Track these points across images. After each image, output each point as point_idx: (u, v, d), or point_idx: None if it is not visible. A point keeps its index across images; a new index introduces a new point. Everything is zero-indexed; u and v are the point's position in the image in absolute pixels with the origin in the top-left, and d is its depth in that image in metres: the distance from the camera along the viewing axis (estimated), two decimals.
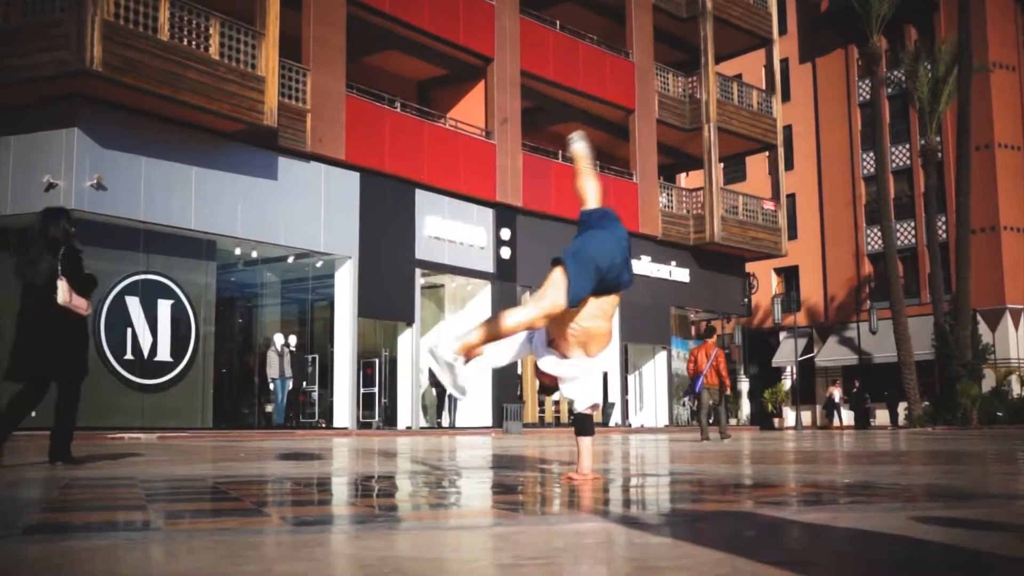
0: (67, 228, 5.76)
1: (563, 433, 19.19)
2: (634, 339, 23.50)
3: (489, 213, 20.37)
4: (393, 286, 18.25)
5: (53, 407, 5.84)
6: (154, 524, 2.57)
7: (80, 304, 5.68)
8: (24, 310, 5.70)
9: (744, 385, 30.05)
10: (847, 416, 31.57)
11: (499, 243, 20.37)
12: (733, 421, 26.43)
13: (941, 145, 31.89)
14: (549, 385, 4.29)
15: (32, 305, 5.66)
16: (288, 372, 17.63)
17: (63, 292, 5.59)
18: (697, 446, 10.25)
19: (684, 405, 26.55)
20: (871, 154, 33.60)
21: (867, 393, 30.50)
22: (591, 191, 4.33)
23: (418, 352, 19.05)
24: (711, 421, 13.81)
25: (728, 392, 15.40)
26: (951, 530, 2.47)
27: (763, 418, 32.78)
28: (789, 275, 37.39)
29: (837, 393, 30.86)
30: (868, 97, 34.10)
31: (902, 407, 29.87)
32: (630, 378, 24.93)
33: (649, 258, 23.71)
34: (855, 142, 35.64)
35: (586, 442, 4.20)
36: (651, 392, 25.33)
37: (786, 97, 35.17)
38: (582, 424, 4.21)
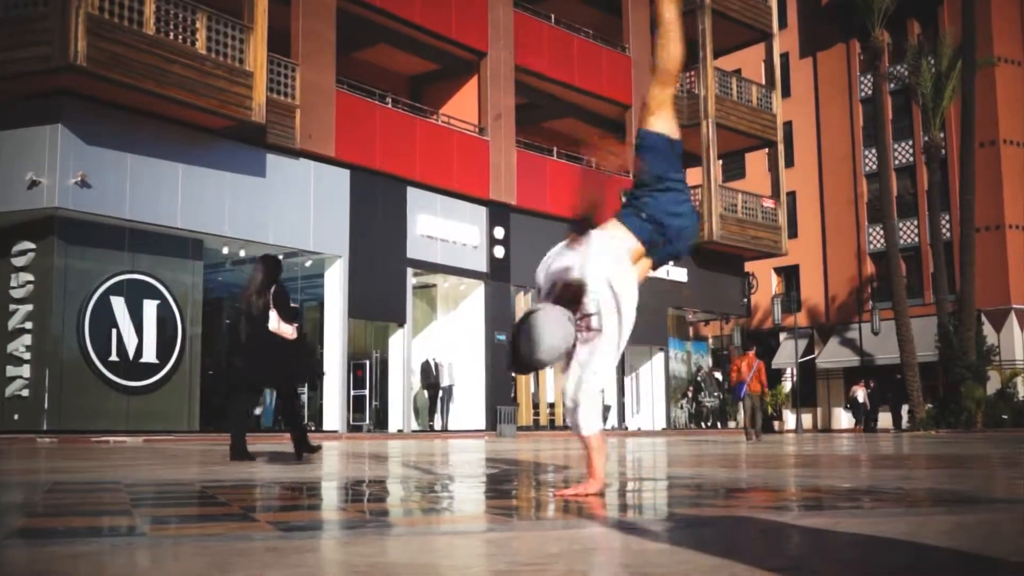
0: (278, 271, 7.26)
1: (558, 436, 18.92)
2: (631, 340, 23.03)
3: (482, 211, 20.10)
4: (384, 286, 18.01)
5: (281, 414, 7.34)
6: (139, 529, 2.52)
7: (287, 330, 7.05)
8: (245, 335, 7.22)
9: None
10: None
11: (493, 242, 20.11)
12: (732, 424, 26.28)
13: (945, 141, 31.55)
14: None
15: (250, 330, 7.09)
16: None
17: (274, 320, 6.98)
18: (696, 449, 10.25)
19: (682, 408, 26.26)
20: (873, 151, 33.27)
21: (889, 394, 29.67)
22: (667, 108, 3.44)
23: (410, 353, 18.78)
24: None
25: (767, 399, 18.54)
26: (956, 535, 2.43)
27: (763, 421, 32.44)
28: (789, 275, 37.06)
29: (861, 393, 29.34)
30: (870, 92, 33.83)
31: (905, 410, 29.52)
32: (627, 380, 24.63)
33: None
34: (857, 138, 35.32)
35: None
36: (648, 394, 25.03)
37: (786, 92, 34.81)
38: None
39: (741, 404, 16.52)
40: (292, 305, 7.27)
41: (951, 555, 2.08)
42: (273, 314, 6.98)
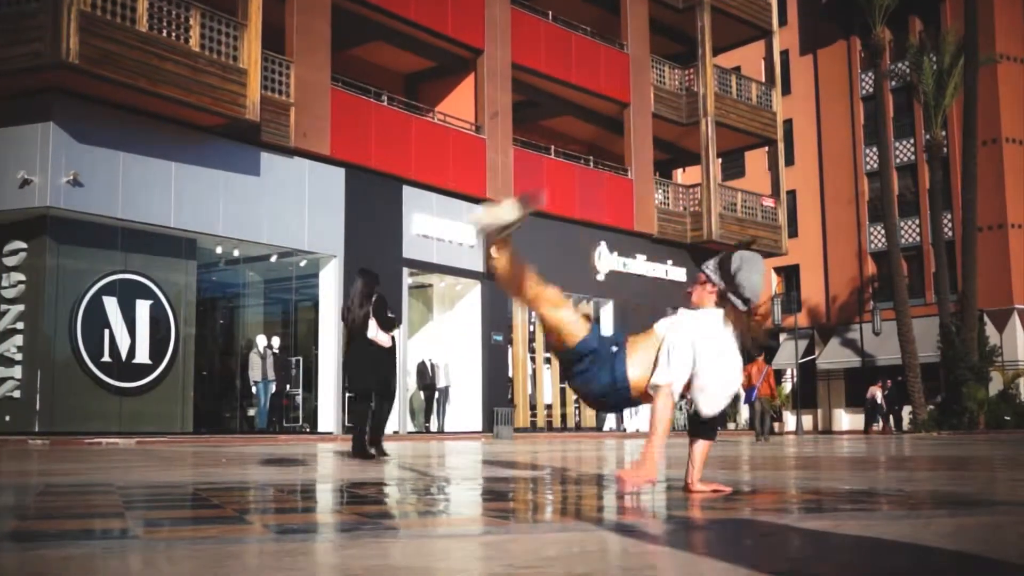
0: (376, 282, 7.81)
1: (556, 438, 18.81)
2: None
3: (479, 210, 19.91)
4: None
5: (370, 413, 7.82)
6: (132, 532, 2.52)
7: (384, 339, 7.64)
8: (351, 342, 7.84)
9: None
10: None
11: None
12: (732, 425, 26.13)
13: (947, 140, 31.41)
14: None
15: (355, 339, 7.69)
16: (271, 375, 17.28)
17: (372, 328, 7.60)
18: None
19: (681, 409, 26.10)
20: (874, 149, 33.12)
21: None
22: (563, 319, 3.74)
23: (405, 354, 18.62)
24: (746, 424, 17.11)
25: (775, 402, 19.54)
26: (957, 537, 2.43)
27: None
28: (789, 274, 36.92)
29: (879, 394, 28.90)
30: (871, 90, 33.70)
31: (906, 411, 29.33)
32: None
33: (644, 257, 23.36)
34: (858, 137, 35.18)
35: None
36: None
37: (786, 90, 34.65)
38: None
39: (750, 407, 17.63)
40: (390, 315, 7.85)
41: (953, 557, 2.08)
42: (372, 323, 7.59)
